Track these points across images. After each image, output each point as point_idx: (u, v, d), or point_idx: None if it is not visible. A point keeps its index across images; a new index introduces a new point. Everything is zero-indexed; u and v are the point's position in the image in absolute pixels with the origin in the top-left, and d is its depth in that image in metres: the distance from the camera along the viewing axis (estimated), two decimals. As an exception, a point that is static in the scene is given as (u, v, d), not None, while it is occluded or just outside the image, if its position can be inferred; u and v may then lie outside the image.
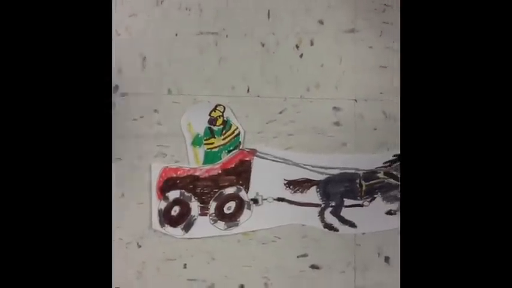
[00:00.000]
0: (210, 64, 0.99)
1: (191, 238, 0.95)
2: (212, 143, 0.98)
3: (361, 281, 0.95)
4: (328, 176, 0.97)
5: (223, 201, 0.96)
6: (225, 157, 0.98)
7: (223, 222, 0.96)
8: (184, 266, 0.95)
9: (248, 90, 0.99)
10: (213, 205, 0.96)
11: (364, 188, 0.97)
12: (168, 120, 0.98)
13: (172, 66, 0.99)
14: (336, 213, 0.96)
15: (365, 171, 0.98)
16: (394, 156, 0.98)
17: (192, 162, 0.97)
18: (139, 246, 0.95)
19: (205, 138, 0.98)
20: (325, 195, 0.97)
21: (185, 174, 0.97)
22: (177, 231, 0.95)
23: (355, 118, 0.99)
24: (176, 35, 1.00)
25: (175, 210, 0.96)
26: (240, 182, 0.97)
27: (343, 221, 0.96)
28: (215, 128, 0.98)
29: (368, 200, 0.97)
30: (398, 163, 0.98)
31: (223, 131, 0.98)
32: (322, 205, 0.97)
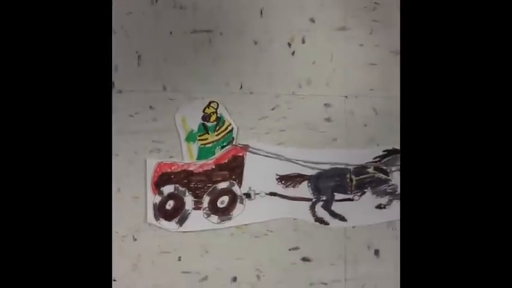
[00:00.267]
0: (204, 62, 1.01)
1: (185, 231, 0.97)
2: (206, 139, 1.00)
3: (351, 273, 0.97)
4: (319, 171, 0.99)
5: (216, 195, 0.98)
6: (219, 152, 1.00)
7: (217, 216, 0.98)
8: (179, 258, 0.97)
9: (241, 87, 1.01)
10: (206, 199, 0.98)
11: (354, 182, 0.99)
12: (163, 116, 1.00)
13: (167, 64, 1.01)
14: (326, 207, 0.99)
15: (355, 166, 1.00)
16: (384, 151, 1.00)
17: (186, 157, 0.99)
18: (135, 240, 0.97)
19: (199, 134, 1.00)
20: (316, 189, 0.99)
21: (179, 169, 0.99)
22: (172, 225, 0.97)
23: (345, 114, 1.01)
24: (171, 33, 1.02)
25: (170, 205, 0.98)
26: (233, 177, 0.99)
27: (334, 214, 0.98)
28: (209, 124, 1.00)
29: (358, 194, 0.99)
30: (387, 158, 1.00)
31: (217, 127, 1.00)
32: (314, 199, 0.99)
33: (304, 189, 0.99)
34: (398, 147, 1.00)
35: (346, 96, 1.02)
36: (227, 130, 1.00)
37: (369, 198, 0.99)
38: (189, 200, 0.98)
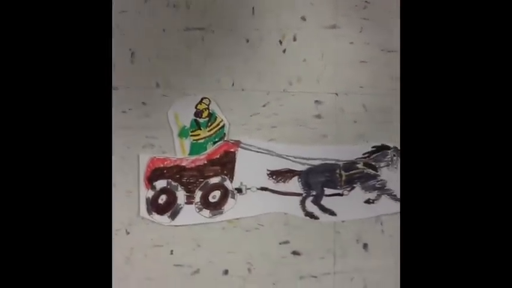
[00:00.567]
0: (197, 59, 1.03)
1: (177, 225, 0.99)
2: (198, 135, 1.02)
3: (340, 267, 0.99)
4: (309, 166, 1.01)
5: (208, 190, 1.00)
6: (211, 148, 1.01)
7: (209, 211, 1.00)
8: (171, 252, 0.98)
9: (233, 84, 1.03)
10: (198, 194, 1.00)
11: (344, 178, 1.01)
12: (156, 112, 1.01)
13: (160, 61, 1.03)
14: (316, 202, 1.00)
15: (345, 162, 1.01)
16: (373, 147, 1.02)
17: (179, 153, 1.01)
18: (128, 233, 0.98)
19: (191, 130, 1.02)
20: (307, 184, 1.01)
21: (172, 165, 1.00)
22: (164, 219, 0.99)
23: (335, 111, 1.03)
24: (164, 30, 1.04)
25: (162, 199, 0.99)
26: (225, 172, 1.01)
27: (324, 209, 1.00)
28: (201, 120, 1.02)
29: (347, 189, 1.01)
30: (376, 154, 1.01)
31: (209, 123, 1.02)
32: (304, 194, 1.00)
33: (294, 185, 1.01)
34: (387, 143, 1.02)
35: (336, 93, 1.03)
36: (219, 126, 1.02)
37: (358, 193, 1.01)
38: (181, 195, 1.00)
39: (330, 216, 1.00)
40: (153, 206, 0.99)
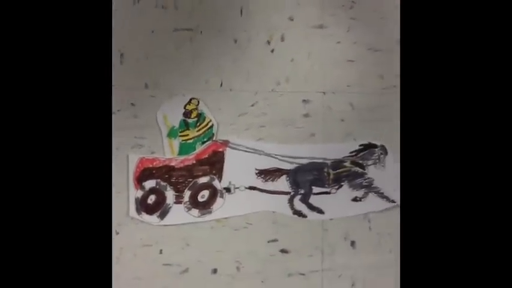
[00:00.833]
0: (185, 59, 1.04)
1: (166, 225, 1.00)
2: (187, 135, 1.03)
3: (328, 264, 0.99)
4: (297, 165, 1.02)
5: (197, 190, 1.01)
6: (199, 148, 1.02)
7: (197, 210, 1.00)
8: (160, 251, 0.99)
9: (221, 84, 1.04)
10: (187, 194, 1.01)
11: (331, 176, 1.02)
12: (145, 113, 1.02)
13: (149, 62, 1.04)
14: (304, 200, 1.01)
15: (332, 160, 1.02)
16: (360, 145, 1.03)
17: (168, 153, 1.02)
18: (117, 233, 0.99)
19: (180, 130, 1.03)
20: (295, 183, 1.01)
21: (161, 165, 1.01)
22: (153, 218, 1.00)
23: (323, 110, 1.04)
24: (153, 31, 1.04)
25: (152, 199, 1.00)
26: (214, 171, 1.02)
27: (312, 207, 1.01)
28: (190, 121, 1.03)
29: (335, 187, 1.02)
30: (363, 152, 1.02)
31: (198, 123, 1.03)
32: (292, 193, 1.01)
33: (282, 183, 1.02)
34: (374, 141, 1.03)
35: (323, 92, 1.04)
36: (207, 126, 1.03)
37: (345, 192, 1.02)
38: (170, 195, 1.01)
39: (318, 214, 1.01)
40: (143, 206, 1.00)
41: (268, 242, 1.00)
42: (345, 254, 1.00)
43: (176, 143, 1.02)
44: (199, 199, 1.01)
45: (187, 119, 1.03)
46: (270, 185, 1.01)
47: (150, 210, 1.00)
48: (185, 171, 1.01)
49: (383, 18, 1.07)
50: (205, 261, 0.99)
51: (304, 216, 1.01)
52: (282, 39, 1.05)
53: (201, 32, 1.04)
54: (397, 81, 1.04)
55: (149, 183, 1.00)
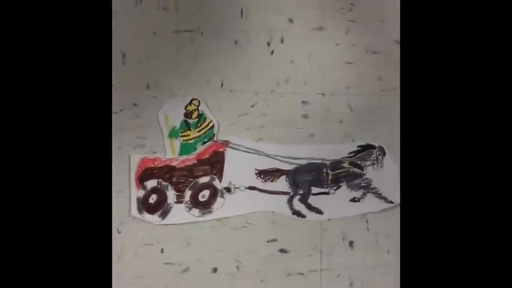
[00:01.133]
0: (186, 60, 1.05)
1: (168, 224, 1.01)
2: (188, 135, 1.04)
3: (327, 264, 1.01)
4: (296, 165, 1.03)
5: (198, 189, 1.02)
6: (200, 148, 1.03)
7: (198, 210, 1.02)
8: (161, 250, 1.00)
9: (222, 85, 1.05)
10: (188, 193, 1.02)
11: (330, 176, 1.03)
12: (147, 113, 1.03)
13: (150, 63, 1.05)
14: (303, 200, 1.02)
15: (331, 161, 1.03)
16: (359, 146, 1.04)
17: (169, 153, 1.03)
18: (119, 232, 1.00)
19: (181, 130, 1.04)
20: (294, 183, 1.03)
21: (162, 165, 1.02)
22: (155, 218, 1.01)
23: (322, 111, 1.05)
24: (154, 33, 1.06)
25: (153, 198, 1.01)
26: (214, 171, 1.03)
27: (311, 208, 1.02)
28: (191, 121, 1.04)
29: (334, 188, 1.03)
30: (362, 153, 1.04)
31: (198, 124, 1.04)
32: (291, 193, 1.02)
33: (282, 184, 1.03)
34: (372, 142, 1.04)
35: (323, 94, 1.05)
36: (208, 127, 1.04)
37: (344, 192, 1.03)
38: (171, 194, 1.02)
39: (317, 214, 1.02)
40: (144, 206, 1.01)
41: (268, 241, 1.01)
42: (343, 254, 1.01)
43: (177, 143, 1.03)
44: (200, 199, 1.02)
45: (188, 120, 1.04)
46: (269, 185, 1.03)
47: (151, 209, 1.01)
48: (186, 171, 1.03)
49: (382, 20, 1.08)
50: (206, 261, 1.00)
51: (303, 216, 1.02)
52: (282, 40, 1.07)
53: (201, 33, 1.06)
54: (395, 83, 1.05)
55: (151, 183, 1.02)
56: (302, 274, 1.00)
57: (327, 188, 1.03)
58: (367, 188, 1.02)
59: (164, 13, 1.06)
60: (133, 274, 0.99)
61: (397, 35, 1.05)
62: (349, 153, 1.04)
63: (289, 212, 1.02)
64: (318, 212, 1.02)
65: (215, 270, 1.00)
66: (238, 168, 1.03)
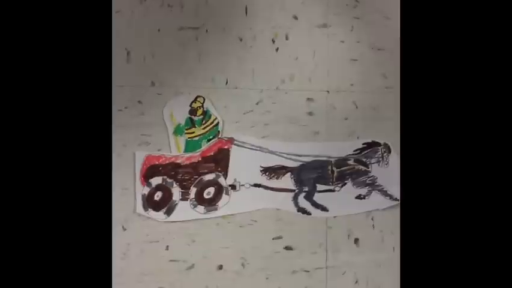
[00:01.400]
0: (191, 58, 1.05)
1: (173, 221, 1.01)
2: (193, 132, 1.04)
3: (332, 261, 1.01)
4: (301, 163, 1.03)
5: (203, 187, 1.02)
6: (205, 145, 1.03)
7: (203, 207, 1.02)
8: (167, 247, 1.00)
9: (226, 83, 1.05)
10: (193, 191, 1.02)
11: (335, 174, 1.03)
12: (151, 110, 1.03)
13: (155, 60, 1.05)
14: (308, 198, 1.02)
15: (336, 158, 1.03)
16: (364, 144, 1.04)
17: (174, 150, 1.03)
18: (124, 229, 1.00)
19: (186, 127, 1.04)
20: (299, 181, 1.03)
21: (167, 162, 1.02)
22: (160, 215, 1.01)
23: (327, 108, 1.05)
24: (159, 30, 1.06)
25: (158, 196, 1.01)
26: (219, 169, 1.03)
27: (316, 205, 1.02)
28: (195, 118, 1.04)
29: (339, 185, 1.03)
30: (367, 150, 1.03)
31: (203, 121, 1.04)
32: (296, 190, 1.02)
33: (287, 181, 1.03)
34: (377, 140, 1.04)
35: (327, 91, 1.05)
36: (213, 124, 1.04)
37: (349, 189, 1.03)
38: (176, 191, 1.02)
39: (322, 211, 1.02)
40: (149, 203, 1.01)
41: (273, 239, 1.01)
42: (349, 251, 1.01)
43: (182, 140, 1.03)
44: (205, 196, 1.02)
45: (193, 117, 1.04)
46: (274, 183, 1.03)
47: (156, 206, 1.01)
48: (191, 168, 1.03)
49: (386, 18, 1.08)
50: (211, 258, 1.00)
51: (309, 213, 1.02)
52: (287, 38, 1.06)
53: (206, 30, 1.05)
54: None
55: (155, 180, 1.02)
56: (307, 271, 1.00)
57: (332, 185, 1.03)
58: (373, 185, 1.02)
59: (168, 10, 1.06)
60: (138, 271, 0.99)
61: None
62: (354, 151, 1.04)
63: (294, 209, 1.02)
64: (323, 209, 1.02)
65: (220, 267, 1.00)
66: (243, 165, 1.03)
